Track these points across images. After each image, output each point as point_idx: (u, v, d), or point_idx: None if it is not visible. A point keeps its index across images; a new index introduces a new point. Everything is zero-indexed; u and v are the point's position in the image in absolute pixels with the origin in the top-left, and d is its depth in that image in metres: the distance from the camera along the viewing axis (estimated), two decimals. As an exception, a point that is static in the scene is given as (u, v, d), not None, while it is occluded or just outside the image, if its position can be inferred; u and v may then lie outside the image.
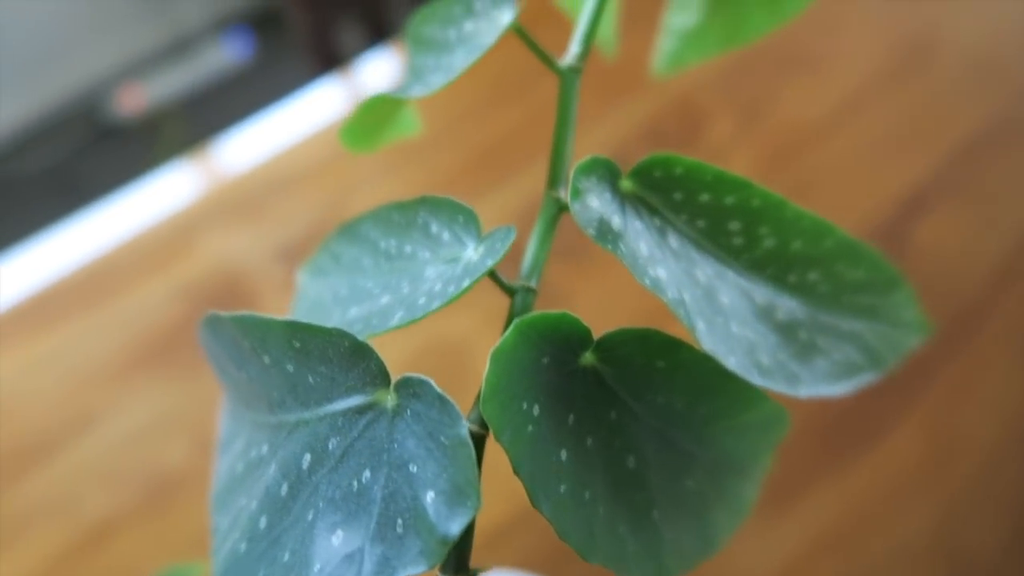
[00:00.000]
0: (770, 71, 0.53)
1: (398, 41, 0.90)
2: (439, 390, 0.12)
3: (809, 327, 0.15)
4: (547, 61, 0.17)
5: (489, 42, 0.15)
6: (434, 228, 0.15)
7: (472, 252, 0.15)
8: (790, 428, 0.18)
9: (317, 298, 0.17)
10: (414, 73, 0.18)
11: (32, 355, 0.43)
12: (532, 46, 0.16)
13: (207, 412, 0.42)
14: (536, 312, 0.14)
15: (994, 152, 0.49)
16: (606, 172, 0.14)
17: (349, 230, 0.17)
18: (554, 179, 0.17)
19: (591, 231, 0.13)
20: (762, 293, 0.15)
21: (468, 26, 0.16)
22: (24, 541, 0.38)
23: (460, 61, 0.15)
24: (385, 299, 0.15)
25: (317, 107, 0.53)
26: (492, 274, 0.15)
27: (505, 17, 0.16)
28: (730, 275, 0.14)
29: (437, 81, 0.15)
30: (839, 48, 0.54)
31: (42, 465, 0.40)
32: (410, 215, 0.16)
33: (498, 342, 0.13)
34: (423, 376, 0.12)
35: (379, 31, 0.92)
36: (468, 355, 0.43)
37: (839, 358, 0.16)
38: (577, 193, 0.14)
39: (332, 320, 0.15)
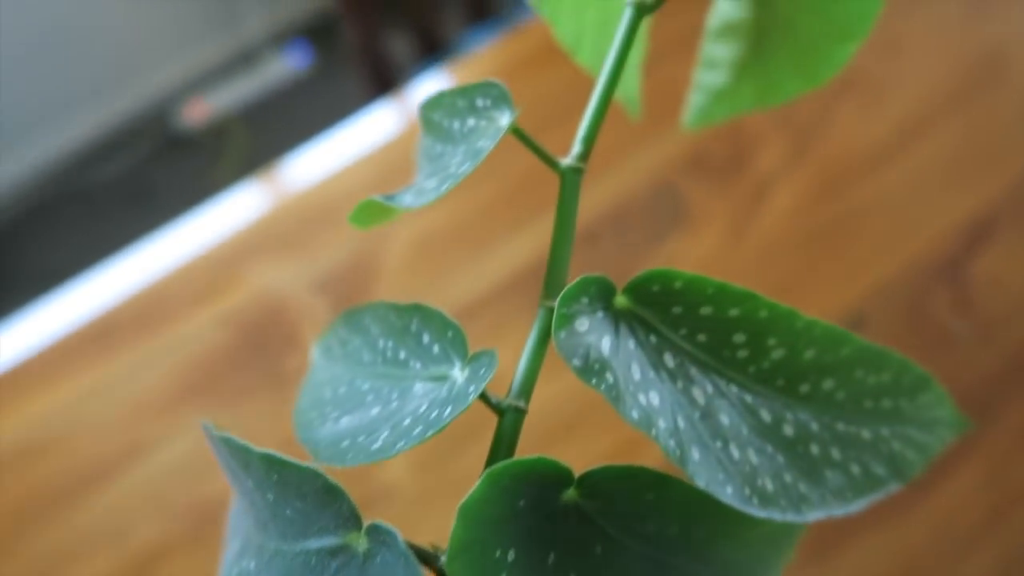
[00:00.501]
0: (826, 93, 0.51)
1: (450, 58, 0.90)
2: (403, 546, 0.12)
3: (822, 439, 0.14)
4: (548, 161, 0.16)
5: (488, 146, 0.14)
6: (426, 339, 0.15)
7: (458, 373, 0.14)
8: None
9: (319, 389, 0.17)
10: (423, 155, 0.18)
11: (86, 384, 0.45)
12: (532, 147, 0.16)
13: (251, 441, 0.43)
14: (509, 460, 0.13)
15: (1068, 178, 0.46)
16: (598, 291, 0.14)
17: (354, 319, 0.17)
18: (550, 287, 0.16)
19: (576, 363, 0.13)
20: (769, 408, 0.14)
21: (471, 121, 0.16)
22: (75, 570, 0.39)
23: (458, 166, 0.15)
24: (375, 410, 0.14)
25: (364, 133, 0.53)
26: (481, 395, 0.14)
27: (504, 120, 0.15)
28: (733, 391, 0.14)
29: (432, 190, 0.15)
30: (900, 69, 0.51)
31: (94, 494, 0.42)
32: (405, 320, 0.15)
33: (466, 495, 0.13)
34: (390, 527, 0.12)
35: (431, 42, 0.92)
36: (501, 389, 0.43)
37: (857, 471, 0.15)
38: (563, 321, 0.13)
39: (325, 428, 0.15)
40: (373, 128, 0.54)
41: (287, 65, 1.52)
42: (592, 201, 0.47)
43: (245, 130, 1.50)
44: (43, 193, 1.46)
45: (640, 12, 0.17)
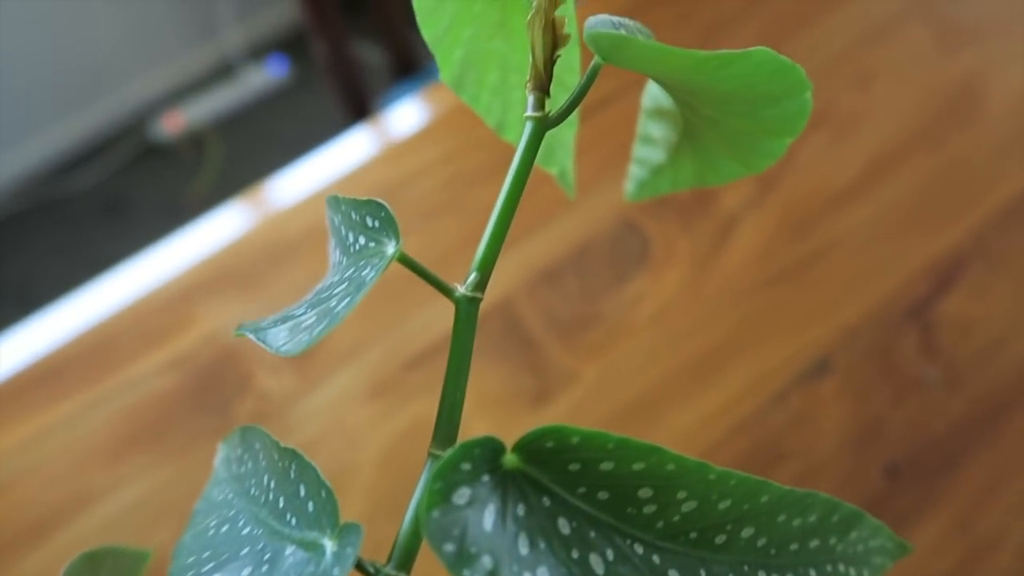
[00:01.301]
0: (793, 126, 0.50)
1: (426, 77, 0.89)
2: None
3: (743, 589, 0.13)
4: (442, 289, 0.15)
5: (372, 278, 0.13)
6: (302, 491, 0.14)
7: (328, 544, 0.13)
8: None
9: (207, 516, 0.15)
10: (332, 249, 0.17)
11: (29, 429, 0.43)
12: (422, 274, 0.15)
13: (196, 490, 0.41)
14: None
15: (1038, 216, 0.46)
16: (484, 453, 0.12)
17: (249, 438, 0.16)
18: (441, 435, 0.15)
19: (448, 551, 0.11)
20: (680, 565, 0.13)
21: (362, 239, 0.15)
22: (11, 629, 0.38)
23: (340, 300, 0.14)
24: (245, 572, 0.13)
25: (329, 161, 0.52)
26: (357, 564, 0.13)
27: (390, 249, 0.14)
28: (638, 552, 0.12)
29: (308, 329, 0.13)
30: (870, 102, 0.50)
31: (38, 546, 0.40)
32: (285, 463, 0.14)
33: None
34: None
35: (407, 59, 0.91)
36: (461, 435, 0.42)
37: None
38: (436, 498, 0.12)
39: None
40: (338, 157, 0.52)
41: (265, 77, 1.50)
42: (553, 240, 0.46)
43: (222, 142, 1.48)
44: (18, 202, 1.44)
45: (541, 127, 0.15)
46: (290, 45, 1.56)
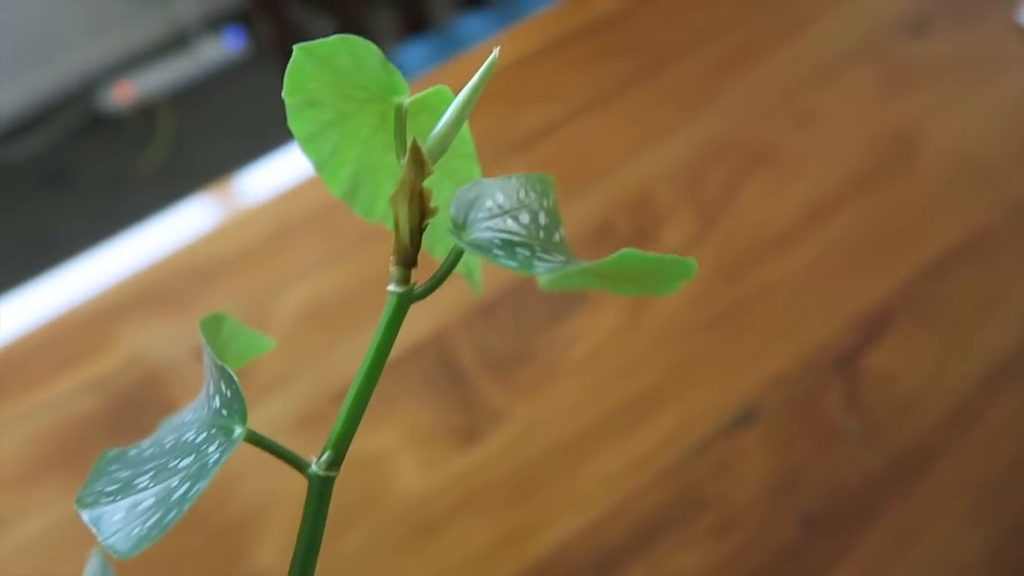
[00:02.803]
0: (737, 163, 0.50)
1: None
2: None
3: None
4: (296, 465, 0.15)
5: (216, 460, 0.13)
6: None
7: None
8: None
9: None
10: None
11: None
12: (271, 450, 0.14)
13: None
14: None
15: (967, 269, 0.47)
16: None
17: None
18: None
19: None
20: None
21: (217, 400, 0.14)
22: (-92, 665, 0.37)
23: (181, 482, 0.13)
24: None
25: (258, 180, 0.51)
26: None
27: (236, 431, 0.13)
28: None
29: (149, 512, 0.13)
30: (811, 143, 0.51)
31: (-60, 573, 0.39)
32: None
33: None
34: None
35: (418, 26, 0.88)
36: (385, 473, 0.41)
37: None
38: None
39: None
40: (285, 164, 0.51)
41: (220, 50, 1.46)
42: (492, 273, 0.46)
43: (174, 115, 1.43)
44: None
45: (406, 301, 0.15)
46: (247, 18, 1.51)
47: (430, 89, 0.16)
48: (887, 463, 0.41)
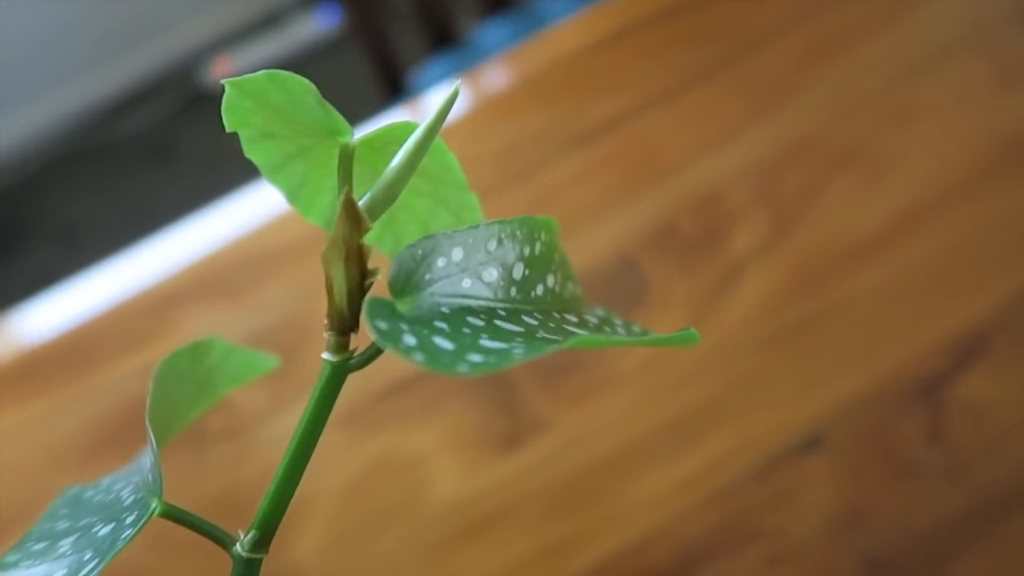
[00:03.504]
0: (820, 163, 0.46)
1: (461, 51, 0.85)
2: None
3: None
4: (217, 540, 0.13)
5: (127, 536, 0.12)
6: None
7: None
8: None
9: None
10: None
11: (4, 425, 0.44)
12: (191, 525, 0.13)
13: (168, 497, 0.41)
14: None
15: (1082, 290, 0.41)
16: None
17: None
18: None
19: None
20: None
21: (147, 458, 0.13)
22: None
23: (90, 565, 0.12)
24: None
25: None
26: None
27: (152, 503, 0.12)
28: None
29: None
30: (908, 143, 0.46)
31: (5, 542, 0.41)
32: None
33: None
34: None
35: (441, 33, 0.88)
36: (423, 476, 0.40)
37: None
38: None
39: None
40: None
41: (314, 27, 1.48)
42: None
43: (270, 91, 1.47)
44: (66, 145, 1.47)
45: (341, 371, 0.13)
46: (341, -3, 1.52)
47: (387, 125, 0.15)
48: (969, 506, 0.37)
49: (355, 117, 0.51)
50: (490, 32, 0.85)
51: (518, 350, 0.11)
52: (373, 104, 0.77)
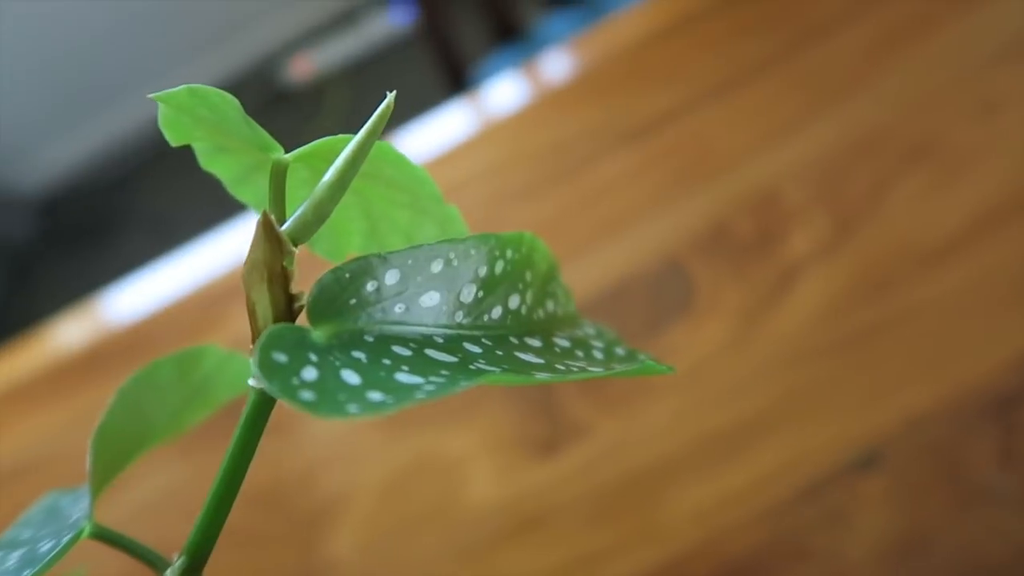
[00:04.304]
0: (890, 159, 0.43)
1: (524, 44, 0.84)
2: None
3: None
4: (151, 564, 0.13)
5: (50, 557, 0.11)
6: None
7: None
8: None
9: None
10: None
11: (77, 407, 0.46)
12: (125, 547, 0.13)
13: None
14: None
15: None
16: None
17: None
18: None
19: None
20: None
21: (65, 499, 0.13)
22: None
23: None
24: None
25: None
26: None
27: (82, 527, 0.12)
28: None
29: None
30: (991, 137, 0.42)
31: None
32: None
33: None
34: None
35: (504, 26, 0.87)
36: (460, 478, 0.40)
37: None
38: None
39: None
40: (431, 135, 0.50)
41: (390, 23, 1.50)
42: (589, 271, 0.43)
43: (347, 88, 1.50)
44: (155, 143, 1.54)
45: (268, 399, 0.13)
46: (415, -6, 1.54)
47: (321, 140, 0.14)
48: (1047, 536, 0.34)
49: (423, 112, 0.51)
50: (554, 24, 0.84)
51: (429, 387, 0.10)
52: (440, 98, 0.77)
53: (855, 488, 0.36)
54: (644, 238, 0.43)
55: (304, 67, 1.50)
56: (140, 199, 1.53)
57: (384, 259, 0.12)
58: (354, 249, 0.16)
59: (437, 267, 0.12)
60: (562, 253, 0.44)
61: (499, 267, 0.13)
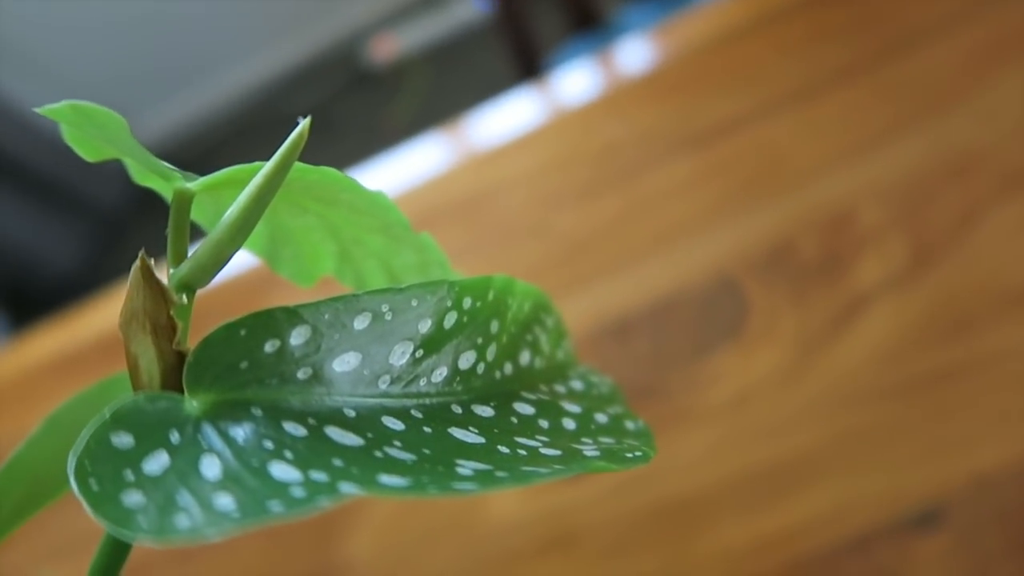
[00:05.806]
0: (985, 183, 0.38)
1: (603, 34, 0.81)
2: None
3: None
4: None
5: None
6: None
7: None
8: None
9: None
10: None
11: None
12: None
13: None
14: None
15: None
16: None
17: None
18: None
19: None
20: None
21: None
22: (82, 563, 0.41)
23: None
24: None
25: (469, 133, 0.49)
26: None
27: None
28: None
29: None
30: (1103, 166, 0.37)
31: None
32: None
33: None
34: None
35: (583, 16, 0.84)
36: (484, 493, 0.38)
37: None
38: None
39: None
40: (476, 131, 0.48)
41: (474, 6, 1.49)
42: (633, 286, 0.40)
43: (428, 70, 1.50)
44: (239, 120, 1.58)
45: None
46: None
47: (228, 170, 0.12)
48: None
49: (497, 97, 0.49)
50: (633, 15, 0.80)
51: (296, 492, 0.08)
52: (512, 84, 0.76)
53: (908, 547, 0.33)
54: (697, 252, 0.40)
55: (386, 48, 1.51)
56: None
57: (293, 313, 0.10)
58: (327, 271, 0.15)
59: (362, 323, 0.10)
60: (603, 264, 0.41)
61: (450, 320, 0.11)
